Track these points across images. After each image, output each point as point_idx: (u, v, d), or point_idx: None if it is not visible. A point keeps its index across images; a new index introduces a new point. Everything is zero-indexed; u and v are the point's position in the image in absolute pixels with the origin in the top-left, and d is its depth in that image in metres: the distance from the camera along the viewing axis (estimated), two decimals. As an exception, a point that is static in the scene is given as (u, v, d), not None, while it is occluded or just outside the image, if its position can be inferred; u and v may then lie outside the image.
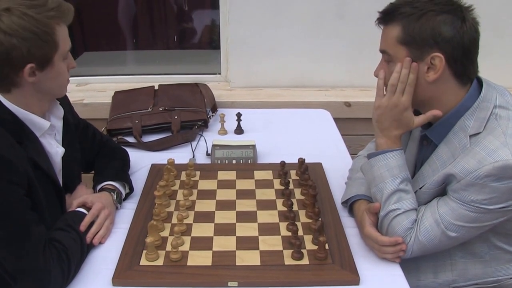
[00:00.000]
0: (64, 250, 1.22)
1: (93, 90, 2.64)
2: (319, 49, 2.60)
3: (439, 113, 1.30)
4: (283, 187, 1.59)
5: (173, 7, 3.61)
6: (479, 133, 1.25)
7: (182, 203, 1.47)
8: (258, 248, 1.34)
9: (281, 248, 1.34)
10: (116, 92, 2.37)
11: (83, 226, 1.33)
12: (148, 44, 3.67)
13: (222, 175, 1.72)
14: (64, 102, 1.47)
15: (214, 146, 1.85)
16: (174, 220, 1.45)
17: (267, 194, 1.61)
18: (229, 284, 1.23)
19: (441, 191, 1.31)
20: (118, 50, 3.55)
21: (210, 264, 1.28)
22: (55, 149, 1.36)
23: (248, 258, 1.30)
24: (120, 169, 1.63)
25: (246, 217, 1.48)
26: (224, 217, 1.48)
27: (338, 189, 1.62)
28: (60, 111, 1.41)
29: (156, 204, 1.45)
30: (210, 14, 3.25)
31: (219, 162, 1.82)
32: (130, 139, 2.04)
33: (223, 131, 2.12)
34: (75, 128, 1.55)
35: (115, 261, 1.29)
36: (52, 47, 1.22)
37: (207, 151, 1.92)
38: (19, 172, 1.17)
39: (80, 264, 1.28)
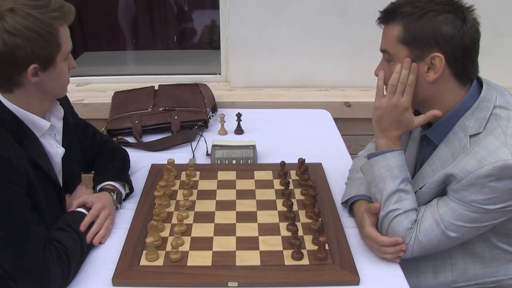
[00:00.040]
0: (64, 250, 1.22)
1: (93, 90, 2.64)
2: (319, 49, 2.60)
3: (439, 113, 1.30)
4: (283, 187, 1.59)
5: (173, 7, 3.61)
6: (479, 133, 1.25)
7: (182, 203, 1.47)
8: (258, 248, 1.34)
9: (281, 248, 1.34)
10: (116, 92, 2.37)
11: (83, 226, 1.33)
12: (148, 44, 3.67)
13: (222, 175, 1.72)
14: (64, 102, 1.47)
15: (214, 146, 1.85)
16: (174, 220, 1.45)
17: (267, 194, 1.61)
18: (229, 284, 1.23)
19: (441, 191, 1.31)
20: (118, 50, 3.55)
21: (210, 264, 1.28)
22: (55, 149, 1.36)
23: (248, 258, 1.30)
24: (120, 169, 1.63)
25: (246, 217, 1.48)
26: (224, 217, 1.48)
27: (338, 189, 1.62)
28: (60, 111, 1.41)
29: (156, 204, 1.45)
30: (210, 14, 3.25)
31: (219, 162, 1.82)
32: (130, 139, 2.04)
33: (223, 131, 2.12)
34: (75, 128, 1.55)
35: (115, 261, 1.29)
36: (55, 47, 1.23)
37: (207, 151, 1.92)
38: (19, 172, 1.17)
39: (80, 264, 1.28)
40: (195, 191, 1.62)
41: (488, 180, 1.19)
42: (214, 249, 1.34)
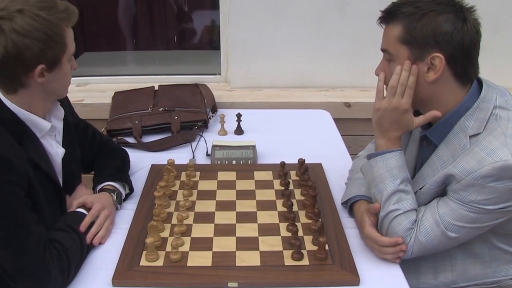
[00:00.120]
0: (64, 251, 1.22)
1: (93, 91, 2.64)
2: (319, 49, 2.60)
3: (439, 113, 1.30)
4: (283, 188, 1.59)
5: (173, 8, 3.61)
6: (479, 133, 1.25)
7: (182, 203, 1.47)
8: (258, 249, 1.34)
9: (281, 249, 1.34)
10: (116, 93, 2.37)
11: (83, 227, 1.33)
12: (148, 44, 3.67)
13: (222, 175, 1.72)
14: (64, 102, 1.47)
15: (214, 146, 1.85)
16: (174, 220, 1.45)
17: (267, 194, 1.61)
18: (229, 284, 1.23)
19: (441, 192, 1.31)
20: (118, 50, 3.55)
21: (210, 265, 1.28)
22: (56, 150, 1.37)
23: (248, 259, 1.30)
24: (120, 170, 1.63)
25: (246, 217, 1.48)
26: (224, 217, 1.48)
27: (338, 190, 1.62)
28: (60, 112, 1.41)
29: (156, 205, 1.45)
30: (210, 15, 3.25)
31: (219, 162, 1.82)
32: (130, 140, 2.04)
33: (223, 132, 2.12)
34: (75, 129, 1.55)
35: (115, 261, 1.29)
36: (61, 48, 1.24)
37: (207, 152, 1.92)
38: (19, 173, 1.17)
39: (80, 265, 1.28)
40: (195, 192, 1.62)
41: (488, 180, 1.19)
42: (214, 249, 1.34)
